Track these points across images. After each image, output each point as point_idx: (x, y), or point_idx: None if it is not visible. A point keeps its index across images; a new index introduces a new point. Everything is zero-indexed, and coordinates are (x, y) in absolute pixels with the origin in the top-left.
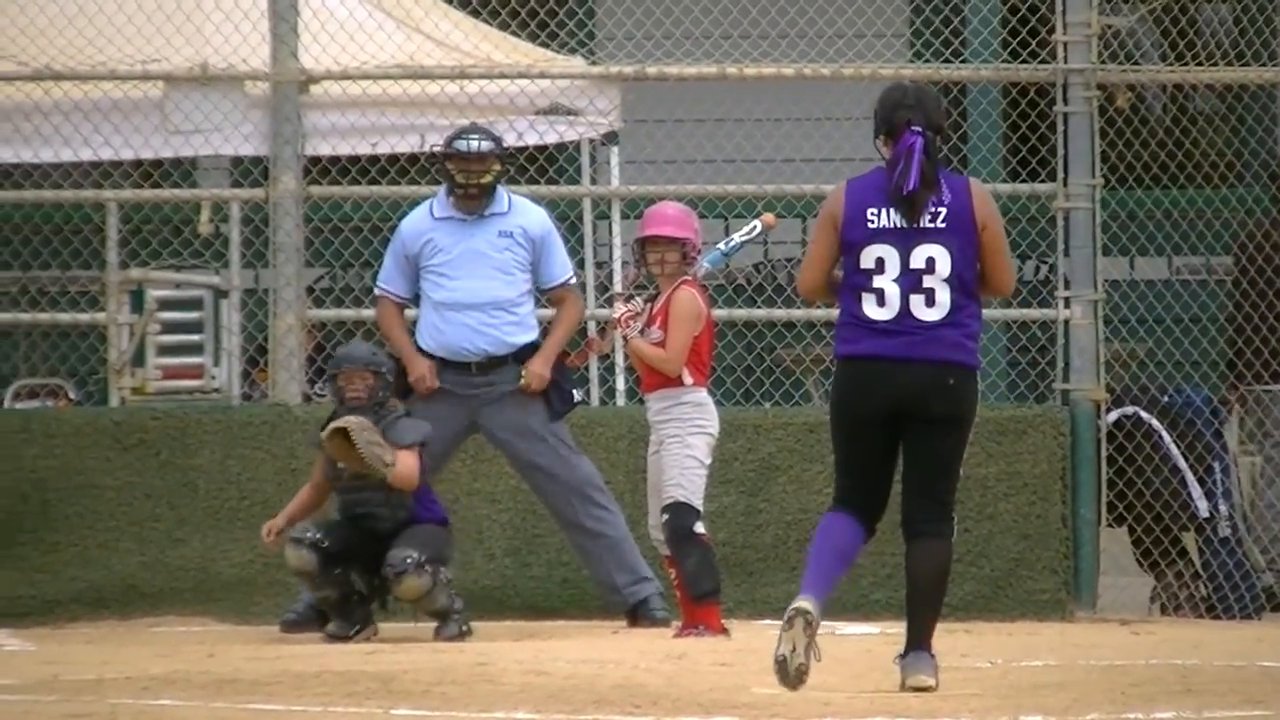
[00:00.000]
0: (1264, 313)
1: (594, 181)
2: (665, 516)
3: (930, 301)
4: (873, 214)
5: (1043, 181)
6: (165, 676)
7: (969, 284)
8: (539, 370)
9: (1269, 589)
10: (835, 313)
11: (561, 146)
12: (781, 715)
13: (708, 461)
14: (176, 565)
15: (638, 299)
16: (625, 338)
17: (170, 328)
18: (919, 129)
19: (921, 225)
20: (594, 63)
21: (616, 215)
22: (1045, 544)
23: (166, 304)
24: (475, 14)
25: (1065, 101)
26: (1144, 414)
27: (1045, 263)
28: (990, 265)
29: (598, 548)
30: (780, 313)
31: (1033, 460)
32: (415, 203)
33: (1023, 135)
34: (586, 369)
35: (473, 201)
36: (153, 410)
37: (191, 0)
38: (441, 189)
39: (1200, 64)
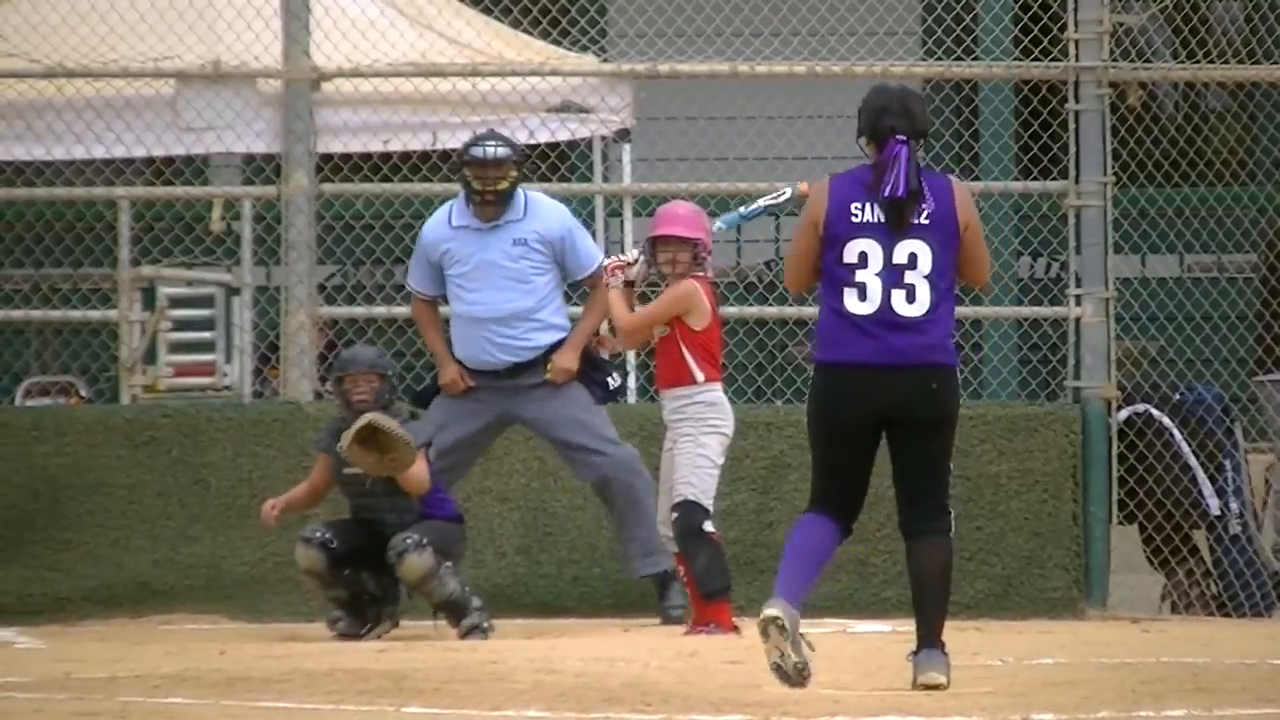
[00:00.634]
0: None
1: (606, 179)
2: (674, 515)
3: (911, 297)
4: (856, 209)
5: (1054, 179)
6: (177, 674)
7: (949, 282)
8: (564, 364)
9: (1277, 575)
10: None
11: (574, 144)
12: (793, 713)
13: (720, 461)
14: (188, 563)
15: (637, 254)
16: (606, 285)
17: (182, 325)
18: (904, 137)
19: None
20: (606, 60)
21: (628, 213)
22: (1056, 542)
23: (178, 301)
24: (487, 11)
25: (1077, 99)
26: (1155, 412)
27: (1057, 260)
28: (969, 260)
29: (634, 517)
30: (792, 310)
31: (1044, 458)
32: (427, 200)
33: (1034, 133)
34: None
35: (489, 208)
36: (164, 408)
37: None
38: (461, 194)
39: (1212, 61)
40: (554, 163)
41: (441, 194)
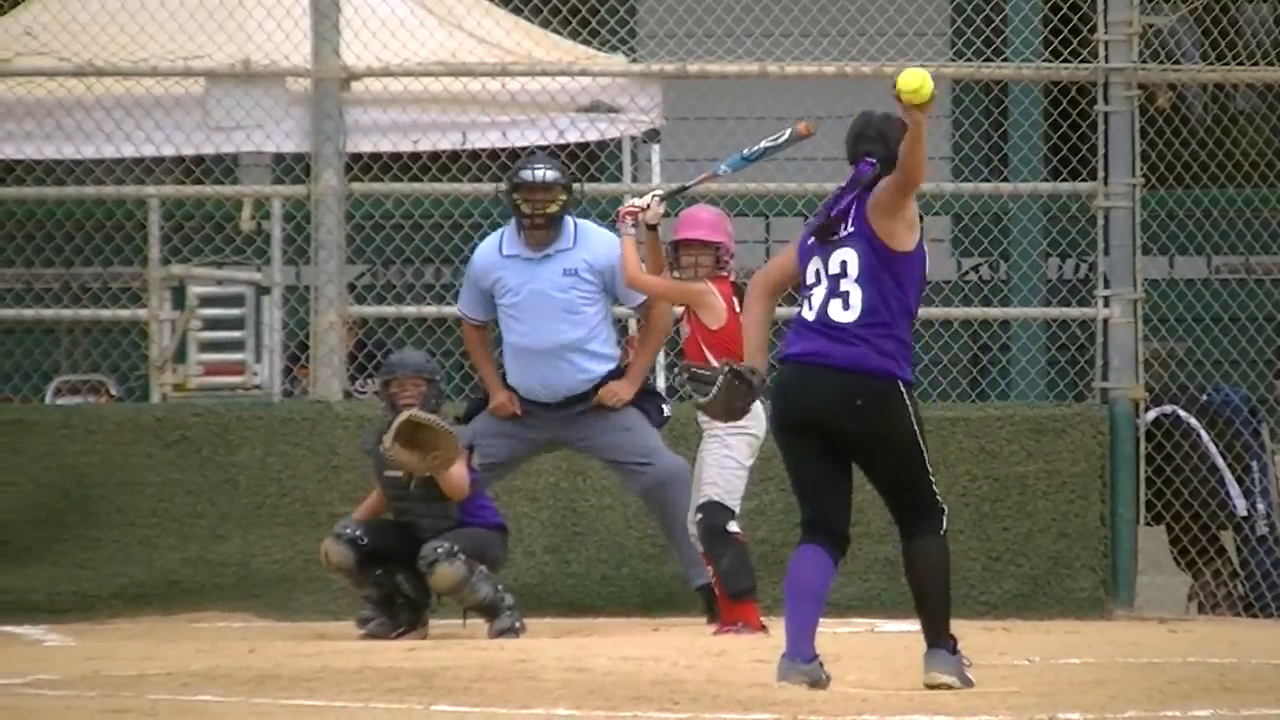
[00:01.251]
0: None
1: (635, 179)
2: (698, 516)
3: (846, 304)
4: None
5: (1083, 180)
6: (206, 672)
7: (885, 291)
8: (619, 391)
9: None
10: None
11: (603, 144)
12: (820, 712)
13: (748, 463)
14: (217, 561)
15: (648, 199)
16: (619, 231)
17: (212, 324)
18: (873, 160)
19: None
20: (635, 60)
21: None
22: (1084, 542)
23: (208, 300)
24: (517, 11)
25: (1106, 100)
26: (1182, 413)
27: (1085, 261)
28: (893, 181)
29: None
30: None
31: (1071, 459)
32: (456, 200)
33: (1063, 134)
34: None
35: (539, 232)
36: (194, 407)
37: None
38: (511, 222)
39: (1241, 63)
40: (583, 163)
41: (471, 194)
